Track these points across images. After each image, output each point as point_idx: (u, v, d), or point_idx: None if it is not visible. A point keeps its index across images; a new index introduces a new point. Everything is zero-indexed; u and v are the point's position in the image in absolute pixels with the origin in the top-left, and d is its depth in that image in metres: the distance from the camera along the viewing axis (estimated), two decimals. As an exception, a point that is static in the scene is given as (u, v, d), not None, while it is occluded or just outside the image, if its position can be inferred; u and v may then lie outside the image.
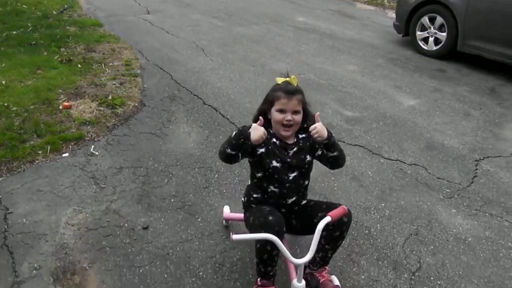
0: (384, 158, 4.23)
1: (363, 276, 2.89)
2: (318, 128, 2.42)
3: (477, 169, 4.26)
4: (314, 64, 6.65)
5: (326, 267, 2.74)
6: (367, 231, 3.27)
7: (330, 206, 2.56)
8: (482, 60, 6.98)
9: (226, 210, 3.21)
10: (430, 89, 5.98)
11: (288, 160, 2.57)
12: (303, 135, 2.64)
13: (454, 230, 3.39)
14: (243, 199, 2.84)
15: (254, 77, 5.99)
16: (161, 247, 3.02)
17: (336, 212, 2.35)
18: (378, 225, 3.35)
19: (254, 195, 2.69)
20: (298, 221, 2.69)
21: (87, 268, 2.87)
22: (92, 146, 4.20)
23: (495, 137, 4.92)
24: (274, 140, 2.58)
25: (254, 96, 5.34)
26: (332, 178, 3.83)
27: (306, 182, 2.72)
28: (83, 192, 3.54)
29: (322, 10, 10.47)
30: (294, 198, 2.64)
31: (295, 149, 2.60)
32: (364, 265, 2.97)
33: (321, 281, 2.65)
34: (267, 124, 2.53)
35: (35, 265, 2.86)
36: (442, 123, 5.08)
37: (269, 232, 2.22)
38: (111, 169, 3.83)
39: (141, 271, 2.85)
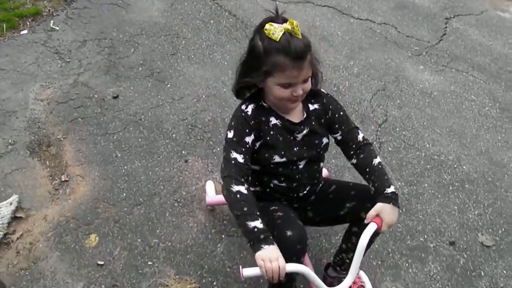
0: (354, 18, 4.16)
1: (331, 130, 3.00)
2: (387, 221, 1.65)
3: (446, 27, 4.25)
4: None
5: None
6: (335, 89, 3.33)
7: (362, 192, 1.86)
8: None
9: (210, 189, 2.52)
10: None
11: (296, 149, 1.79)
12: (315, 105, 1.83)
13: (420, 85, 3.47)
14: None
15: None
16: (133, 114, 3.03)
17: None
18: (347, 82, 3.40)
19: (252, 188, 1.79)
20: (316, 213, 1.97)
21: (62, 139, 2.89)
22: (52, 21, 3.99)
23: (467, -5, 4.83)
24: (274, 120, 1.75)
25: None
26: (302, 40, 3.78)
27: (321, 165, 1.95)
28: (48, 68, 3.44)
29: None
30: (307, 188, 1.89)
31: (305, 131, 1.78)
32: (332, 120, 3.07)
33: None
34: (256, 95, 1.77)
35: (10, 141, 2.86)
36: (414, -18, 4.94)
37: (289, 255, 1.55)
38: (74, 42, 3.69)
39: (115, 137, 2.89)
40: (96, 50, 3.59)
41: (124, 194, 2.56)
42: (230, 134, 1.70)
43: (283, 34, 1.54)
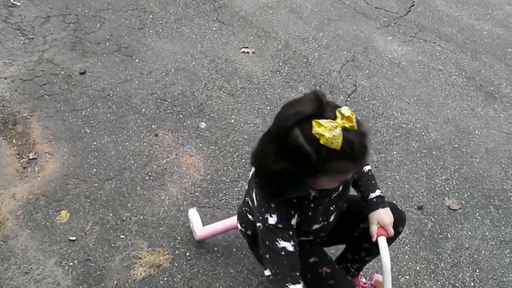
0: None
1: (301, 101, 3.02)
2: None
3: (415, -2, 4.28)
4: None
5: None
6: (305, 60, 3.34)
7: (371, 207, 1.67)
8: None
9: (196, 220, 2.23)
10: None
11: (332, 208, 1.61)
12: None
13: (389, 56, 3.51)
14: (242, 227, 1.82)
15: None
16: (100, 90, 2.98)
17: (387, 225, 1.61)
18: (316, 53, 3.41)
19: None
20: (330, 237, 1.82)
21: (28, 117, 2.83)
22: (13, -3, 3.87)
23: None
24: (313, 193, 1.50)
25: None
26: (270, 12, 3.77)
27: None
28: (11, 45, 3.34)
29: None
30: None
31: (340, 188, 1.60)
32: (302, 90, 3.09)
33: None
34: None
35: (-27, 120, 2.80)
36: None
37: None
38: (37, 19, 3.58)
39: (83, 113, 2.84)
40: (61, 26, 3.50)
41: (95, 170, 2.53)
42: (272, 220, 1.40)
43: (339, 131, 1.18)
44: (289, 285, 1.36)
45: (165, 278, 2.13)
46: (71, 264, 2.15)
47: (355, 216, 1.74)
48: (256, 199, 1.46)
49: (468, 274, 2.28)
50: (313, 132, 1.18)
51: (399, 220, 1.71)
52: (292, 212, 1.43)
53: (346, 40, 3.58)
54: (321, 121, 1.18)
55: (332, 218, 1.63)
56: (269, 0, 3.89)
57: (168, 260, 2.19)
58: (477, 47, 3.78)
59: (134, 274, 2.13)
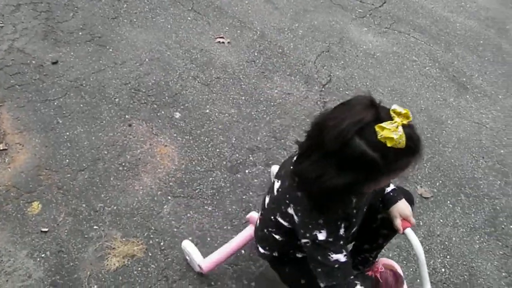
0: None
1: (276, 91, 3.02)
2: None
3: (390, -10, 4.31)
4: None
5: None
6: (280, 50, 3.34)
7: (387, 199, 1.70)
8: None
9: (194, 253, 2.05)
10: None
11: (364, 209, 1.64)
12: None
13: (364, 47, 3.54)
14: (266, 250, 1.75)
15: None
16: (73, 80, 2.94)
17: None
18: (291, 44, 3.42)
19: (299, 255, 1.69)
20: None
21: (-2, 107, 2.77)
22: (-18, -16, 3.76)
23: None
24: (354, 198, 1.48)
25: None
26: (246, 2, 3.75)
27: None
28: (-19, 34, 3.26)
29: None
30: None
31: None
32: (277, 81, 3.09)
33: (379, 276, 1.86)
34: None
35: None
36: None
37: None
38: (7, 6, 3.49)
39: (55, 103, 2.79)
40: (32, 15, 3.42)
41: (67, 160, 2.50)
42: (322, 236, 1.38)
43: (399, 129, 1.17)
44: None
45: (139, 268, 2.12)
46: (43, 255, 2.13)
47: (371, 209, 1.70)
48: (298, 215, 1.42)
49: (439, 260, 2.33)
50: (378, 137, 1.16)
51: (411, 203, 1.75)
52: (339, 223, 1.41)
53: (321, 31, 3.60)
54: (383, 124, 1.16)
55: (361, 218, 1.63)
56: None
57: (142, 250, 2.18)
58: (451, 39, 3.84)
59: (107, 264, 2.12)
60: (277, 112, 2.86)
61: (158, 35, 3.31)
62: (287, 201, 1.44)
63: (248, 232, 2.06)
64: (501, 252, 2.41)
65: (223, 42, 3.29)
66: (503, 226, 2.53)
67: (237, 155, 2.61)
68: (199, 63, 3.12)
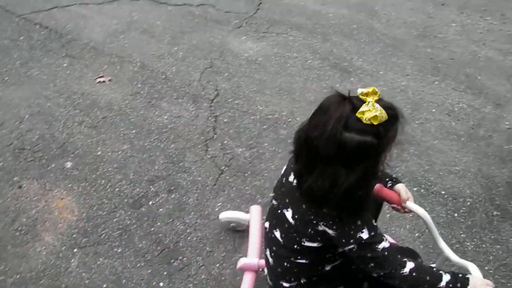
0: (171, 5, 4.20)
1: (165, 117, 3.03)
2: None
3: (261, -4, 4.48)
4: None
5: None
6: (163, 76, 3.35)
7: None
8: None
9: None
10: None
11: None
12: None
13: (245, 55, 3.64)
14: (292, 281, 1.67)
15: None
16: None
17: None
18: (174, 68, 3.44)
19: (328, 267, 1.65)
20: None
21: None
22: None
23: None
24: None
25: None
26: (121, 36, 3.74)
27: None
28: None
29: None
30: None
31: None
32: (166, 107, 3.10)
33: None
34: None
35: None
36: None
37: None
38: None
39: None
40: None
41: (-43, 240, 2.34)
42: (365, 234, 1.40)
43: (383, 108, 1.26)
44: (404, 270, 1.44)
45: (55, 331, 2.02)
46: None
47: None
48: (333, 229, 1.40)
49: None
50: (364, 122, 1.22)
51: None
52: (370, 214, 1.46)
53: (201, 49, 3.66)
54: (361, 109, 1.23)
55: None
56: (118, 25, 3.86)
57: (55, 312, 2.09)
58: (326, 30, 4.04)
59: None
60: (171, 137, 2.86)
61: (35, 88, 3.20)
62: (314, 221, 1.42)
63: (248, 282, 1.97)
64: (410, 216, 2.54)
65: (104, 81, 3.25)
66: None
67: (137, 189, 2.58)
68: (82, 107, 3.06)
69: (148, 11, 4.09)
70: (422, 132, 3.06)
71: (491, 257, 2.37)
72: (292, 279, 1.65)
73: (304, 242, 1.48)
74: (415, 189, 2.69)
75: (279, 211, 1.54)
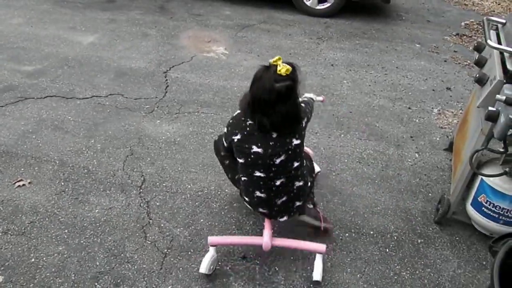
0: (80, 99, 4.22)
1: (97, 210, 2.99)
2: None
3: (167, 79, 4.67)
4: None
5: None
6: (86, 171, 3.33)
7: None
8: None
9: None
10: (105, 21, 6.03)
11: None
12: None
13: (163, 137, 3.74)
14: (304, 179, 2.55)
15: None
16: None
17: None
18: (95, 160, 3.43)
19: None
20: None
21: None
22: None
23: (174, 48, 5.40)
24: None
25: None
26: (34, 137, 3.65)
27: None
28: None
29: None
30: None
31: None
32: (94, 201, 3.07)
33: None
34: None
35: None
36: (124, 49, 5.27)
37: None
38: None
39: None
40: None
41: None
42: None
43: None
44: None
45: None
46: None
47: None
48: (296, 137, 2.33)
49: None
50: (283, 74, 2.14)
51: None
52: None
53: (118, 138, 3.70)
54: (278, 68, 2.13)
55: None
56: (28, 125, 3.78)
57: None
58: (234, 103, 4.30)
59: None
60: (106, 230, 2.83)
61: None
62: (287, 140, 2.31)
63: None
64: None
65: (23, 185, 3.14)
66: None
67: (81, 290, 2.49)
68: (5, 216, 2.91)
69: (56, 107, 4.06)
70: (340, 182, 3.36)
71: (425, 281, 2.66)
72: (301, 179, 2.52)
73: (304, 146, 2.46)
74: (346, 234, 2.93)
75: (269, 161, 2.33)
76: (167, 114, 4.07)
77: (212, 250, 2.59)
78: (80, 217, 2.93)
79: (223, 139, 2.49)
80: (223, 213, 3.06)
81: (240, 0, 7.18)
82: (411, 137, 3.97)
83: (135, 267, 2.62)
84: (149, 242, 2.79)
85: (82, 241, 2.77)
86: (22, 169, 3.32)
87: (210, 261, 2.55)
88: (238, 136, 2.31)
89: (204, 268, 2.52)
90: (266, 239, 2.55)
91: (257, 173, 2.35)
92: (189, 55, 5.23)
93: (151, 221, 2.94)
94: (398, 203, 3.22)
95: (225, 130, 2.43)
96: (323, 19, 6.54)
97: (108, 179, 3.26)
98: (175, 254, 2.72)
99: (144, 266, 2.63)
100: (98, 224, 2.89)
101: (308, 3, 6.59)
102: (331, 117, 4.16)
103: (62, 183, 3.20)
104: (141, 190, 3.18)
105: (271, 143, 2.27)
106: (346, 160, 3.60)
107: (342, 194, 3.26)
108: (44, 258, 2.65)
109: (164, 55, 5.22)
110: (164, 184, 3.24)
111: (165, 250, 2.74)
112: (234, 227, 2.95)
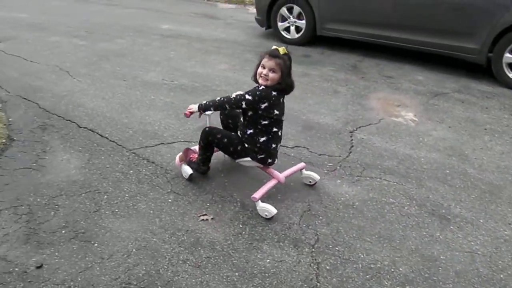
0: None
1: (268, 260, 3.00)
2: None
3: (352, 139, 4.62)
4: (185, 69, 6.68)
5: None
6: (263, 218, 3.39)
7: None
8: (341, 40, 7.55)
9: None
10: (299, 74, 6.32)
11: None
12: None
13: (342, 199, 3.65)
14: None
15: (127, 91, 5.85)
16: (60, 282, 2.84)
17: None
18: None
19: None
20: None
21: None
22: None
23: (363, 108, 5.36)
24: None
25: (130, 110, 5.23)
26: (222, 175, 3.88)
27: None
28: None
29: (186, 15, 10.52)
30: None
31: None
32: (267, 250, 3.09)
33: None
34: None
35: None
36: (314, 103, 5.41)
37: None
38: (-12, 213, 3.51)
39: (42, 314, 2.66)
40: (13, 219, 3.42)
41: None
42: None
43: (274, 48, 3.30)
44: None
45: None
46: None
47: None
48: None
49: None
50: (285, 53, 3.27)
51: None
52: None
53: (298, 191, 3.73)
54: (280, 50, 3.24)
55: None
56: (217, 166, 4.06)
57: None
58: (419, 174, 4.04)
59: None
60: (274, 283, 2.81)
61: (142, 222, 3.33)
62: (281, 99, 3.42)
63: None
64: None
65: (207, 219, 3.34)
66: None
67: None
68: (187, 245, 3.11)
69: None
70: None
71: None
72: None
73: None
74: None
75: (282, 118, 3.44)
76: (349, 176, 3.99)
77: None
78: (252, 263, 2.97)
79: (242, 104, 3.27)
80: (395, 295, 2.80)
81: (433, 66, 6.90)
82: None
83: (297, 331, 2.53)
84: (314, 307, 2.68)
85: (249, 288, 2.79)
86: (208, 204, 3.54)
87: None
88: (266, 104, 3.22)
89: None
90: (281, 176, 3.59)
91: (275, 129, 3.36)
92: (377, 117, 5.13)
93: (318, 284, 2.83)
94: None
95: (250, 98, 3.23)
96: (532, 98, 5.88)
97: (283, 231, 3.27)
98: (339, 328, 2.56)
99: (306, 332, 2.52)
100: (267, 275, 2.88)
101: (511, 75, 6.01)
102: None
103: (241, 226, 3.31)
104: (313, 250, 3.11)
105: (283, 107, 3.38)
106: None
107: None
108: (213, 296, 2.73)
109: (352, 114, 5.20)
110: (336, 248, 3.13)
111: (329, 321, 2.60)
112: (405, 315, 2.67)
